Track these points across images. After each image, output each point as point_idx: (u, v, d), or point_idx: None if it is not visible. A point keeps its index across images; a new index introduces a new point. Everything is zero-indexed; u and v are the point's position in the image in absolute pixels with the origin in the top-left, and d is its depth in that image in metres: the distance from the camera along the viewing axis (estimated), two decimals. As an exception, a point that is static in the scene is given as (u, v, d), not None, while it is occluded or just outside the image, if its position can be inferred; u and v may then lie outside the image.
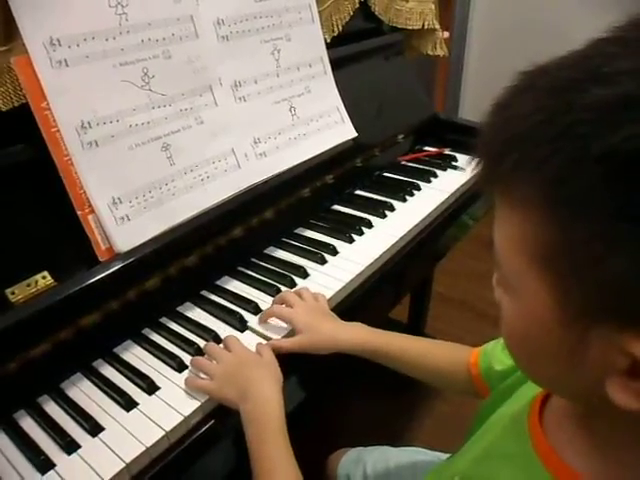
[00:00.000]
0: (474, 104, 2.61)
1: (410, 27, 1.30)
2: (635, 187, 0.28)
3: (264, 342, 0.78)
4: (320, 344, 0.77)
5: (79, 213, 0.74)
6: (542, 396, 0.48)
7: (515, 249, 0.35)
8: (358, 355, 0.79)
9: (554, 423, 0.45)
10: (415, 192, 1.18)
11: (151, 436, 0.65)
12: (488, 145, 0.36)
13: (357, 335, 0.80)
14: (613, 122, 0.28)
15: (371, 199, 1.17)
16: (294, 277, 0.91)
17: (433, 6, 1.31)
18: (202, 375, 0.72)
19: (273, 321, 0.82)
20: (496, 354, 0.71)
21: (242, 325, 0.81)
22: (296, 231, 1.06)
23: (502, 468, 0.46)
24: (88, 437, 0.65)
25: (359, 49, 1.22)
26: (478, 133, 0.37)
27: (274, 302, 0.84)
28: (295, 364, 0.77)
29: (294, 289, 0.87)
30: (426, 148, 1.40)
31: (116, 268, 0.75)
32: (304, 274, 0.92)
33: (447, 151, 1.35)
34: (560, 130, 0.30)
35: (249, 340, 0.78)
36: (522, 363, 0.43)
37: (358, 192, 1.20)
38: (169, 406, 0.69)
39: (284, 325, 0.81)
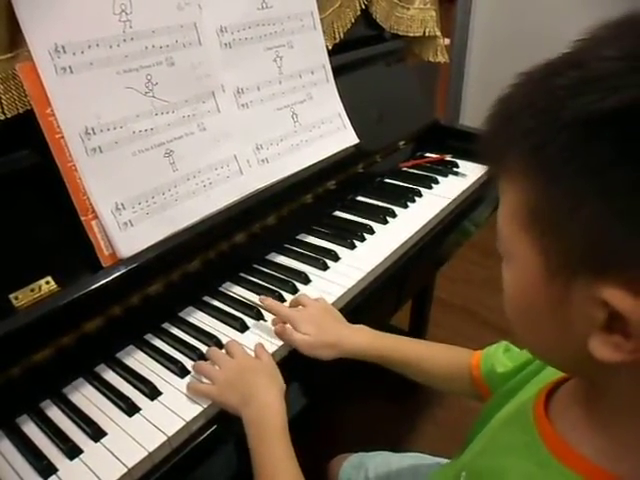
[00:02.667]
0: (475, 110, 2.62)
1: (411, 34, 1.30)
2: (596, 143, 0.32)
3: (264, 342, 0.78)
4: (325, 352, 0.78)
5: (82, 219, 0.74)
6: (547, 389, 0.49)
7: (510, 217, 0.40)
8: (361, 359, 0.79)
9: (560, 412, 0.46)
10: (416, 198, 1.19)
11: (153, 441, 0.65)
12: (488, 131, 0.41)
13: (362, 340, 0.80)
14: (579, 93, 0.33)
15: (372, 205, 1.18)
16: (296, 283, 0.91)
17: (434, 13, 1.32)
18: (204, 380, 0.73)
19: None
20: (498, 356, 0.72)
21: (244, 330, 0.82)
22: (298, 237, 1.06)
23: (508, 458, 0.47)
24: (90, 442, 0.65)
25: (360, 56, 1.22)
26: (481, 125, 0.42)
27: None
28: (296, 370, 0.77)
29: (291, 299, 0.87)
30: (427, 154, 1.40)
31: (119, 273, 0.75)
32: (306, 280, 0.92)
33: (448, 157, 1.35)
34: (541, 106, 0.36)
35: (250, 345, 0.78)
36: (521, 335, 0.45)
37: (359, 198, 1.21)
38: (171, 411, 0.69)
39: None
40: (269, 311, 0.84)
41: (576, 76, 0.34)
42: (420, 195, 1.20)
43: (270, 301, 0.84)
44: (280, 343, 0.79)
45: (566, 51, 0.38)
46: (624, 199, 0.32)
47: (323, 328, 0.79)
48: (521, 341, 0.48)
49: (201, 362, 0.74)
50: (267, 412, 0.67)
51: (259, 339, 0.80)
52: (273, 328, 0.81)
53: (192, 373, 0.74)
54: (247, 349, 0.76)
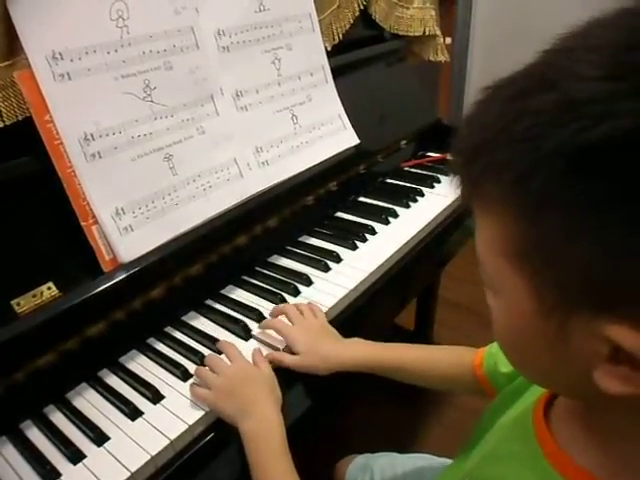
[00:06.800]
0: (478, 109, 2.60)
1: (411, 34, 1.30)
2: (585, 177, 0.30)
3: (264, 349, 0.78)
4: (320, 366, 0.77)
5: (83, 224, 0.74)
6: (547, 396, 0.48)
7: (492, 249, 0.38)
8: (360, 371, 0.79)
9: (559, 421, 0.45)
10: (418, 198, 1.19)
11: (156, 445, 0.65)
12: (459, 155, 0.39)
13: (358, 353, 0.79)
14: (560, 122, 0.30)
15: (374, 206, 1.17)
16: (298, 285, 0.91)
17: (434, 12, 1.32)
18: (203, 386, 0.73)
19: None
20: (501, 356, 0.70)
21: (246, 333, 0.82)
22: (300, 239, 1.06)
23: (509, 468, 0.46)
24: (93, 447, 0.66)
25: (360, 56, 1.22)
26: (452, 146, 0.39)
27: (272, 314, 0.84)
28: (299, 373, 0.77)
29: (293, 304, 0.86)
30: (429, 154, 1.40)
31: (120, 278, 0.76)
32: (308, 282, 0.92)
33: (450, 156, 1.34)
34: (516, 134, 0.32)
35: (252, 349, 0.78)
36: (514, 361, 0.44)
37: (361, 199, 1.21)
38: (174, 415, 0.69)
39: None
40: (269, 327, 0.83)
41: (553, 100, 0.31)
42: (422, 195, 1.20)
43: (265, 322, 0.83)
44: (282, 345, 0.79)
45: (533, 63, 0.35)
46: (623, 236, 0.29)
47: (318, 344, 0.78)
48: (516, 370, 0.46)
49: (201, 367, 0.74)
50: (267, 426, 0.67)
51: (261, 342, 0.80)
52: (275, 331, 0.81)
53: (194, 377, 0.74)
54: (249, 353, 0.76)
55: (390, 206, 1.14)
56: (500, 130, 0.34)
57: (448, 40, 1.42)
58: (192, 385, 0.72)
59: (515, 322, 0.39)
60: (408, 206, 1.15)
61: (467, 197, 0.39)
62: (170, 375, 0.75)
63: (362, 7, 1.18)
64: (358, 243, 1.02)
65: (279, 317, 0.83)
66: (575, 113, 0.30)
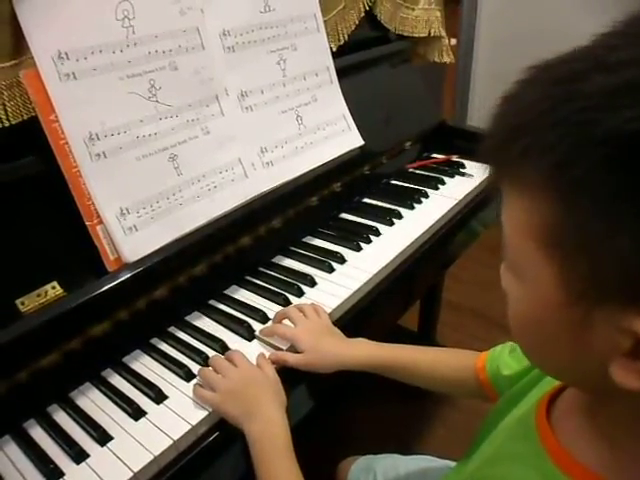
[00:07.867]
0: (482, 111, 2.60)
1: (416, 35, 1.30)
2: (635, 168, 0.29)
3: (268, 352, 0.78)
4: (323, 364, 0.77)
5: (88, 224, 0.75)
6: (549, 395, 0.48)
7: (522, 233, 0.36)
8: (363, 371, 0.79)
9: (562, 419, 0.45)
10: (423, 199, 1.18)
11: (159, 445, 0.65)
12: (496, 134, 0.38)
13: (361, 352, 0.79)
14: (614, 107, 0.29)
15: (378, 207, 1.17)
16: (302, 286, 0.91)
17: (439, 14, 1.32)
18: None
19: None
20: (503, 358, 0.71)
21: (250, 334, 0.82)
22: (304, 240, 1.06)
23: (512, 468, 0.46)
24: (97, 446, 0.66)
25: (365, 57, 1.22)
26: (487, 124, 0.38)
27: (275, 319, 0.84)
28: (303, 373, 0.77)
29: (295, 304, 0.86)
30: (434, 155, 1.40)
31: (124, 278, 0.76)
32: (312, 283, 0.92)
33: (455, 158, 1.34)
34: (564, 117, 0.31)
35: (256, 350, 0.78)
36: (529, 350, 0.43)
37: (366, 200, 1.20)
38: (177, 415, 0.69)
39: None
40: (272, 334, 0.82)
41: (608, 83, 0.30)
42: (426, 196, 1.20)
43: (267, 329, 0.82)
44: (286, 346, 0.79)
45: (586, 45, 0.34)
46: None
47: (321, 343, 0.78)
48: (528, 357, 0.45)
49: (205, 368, 0.74)
50: (272, 427, 0.67)
51: (264, 342, 0.80)
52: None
53: (197, 378, 0.74)
54: (253, 354, 0.76)
55: (394, 207, 1.14)
56: (545, 112, 0.33)
57: (453, 41, 1.41)
58: (196, 386, 0.72)
59: (536, 309, 0.38)
60: (412, 207, 1.15)
61: (496, 177, 0.38)
62: (173, 375, 0.75)
63: (367, 8, 1.18)
64: (362, 244, 1.02)
65: (282, 321, 0.83)
66: (630, 99, 0.29)
